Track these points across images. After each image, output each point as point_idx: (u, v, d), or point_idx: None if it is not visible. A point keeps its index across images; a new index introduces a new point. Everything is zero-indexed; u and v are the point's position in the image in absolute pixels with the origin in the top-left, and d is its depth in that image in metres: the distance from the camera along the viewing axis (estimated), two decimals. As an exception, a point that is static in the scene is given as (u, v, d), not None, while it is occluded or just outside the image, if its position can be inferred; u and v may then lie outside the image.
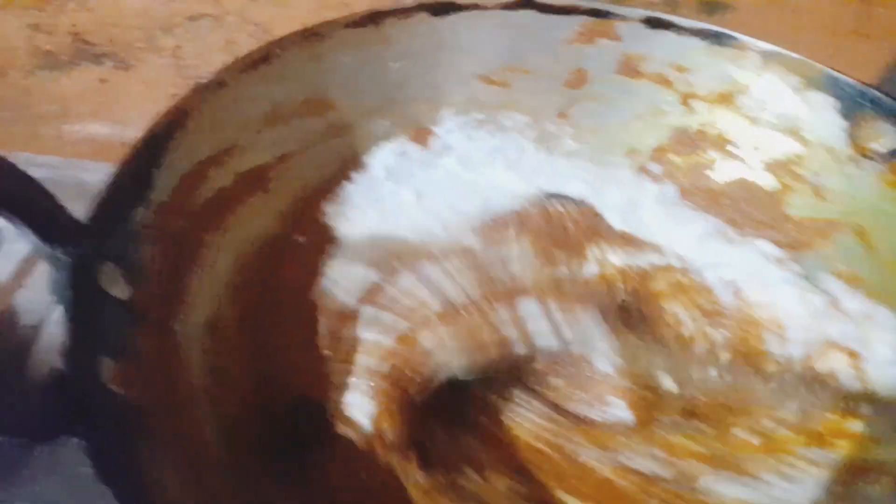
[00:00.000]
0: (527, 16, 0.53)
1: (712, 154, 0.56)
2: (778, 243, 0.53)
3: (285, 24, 0.46)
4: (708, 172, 0.56)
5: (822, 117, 0.50)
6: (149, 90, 0.38)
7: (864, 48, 0.60)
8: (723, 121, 0.55)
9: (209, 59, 0.40)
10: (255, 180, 0.46)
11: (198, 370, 0.40)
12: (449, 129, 0.56)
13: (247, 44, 0.44)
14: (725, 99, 0.54)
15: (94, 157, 0.34)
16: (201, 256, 0.42)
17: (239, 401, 0.41)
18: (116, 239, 0.35)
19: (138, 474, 0.29)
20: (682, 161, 0.57)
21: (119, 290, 0.34)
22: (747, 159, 0.54)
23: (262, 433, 0.41)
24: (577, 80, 0.56)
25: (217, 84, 0.42)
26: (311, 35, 0.46)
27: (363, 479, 0.39)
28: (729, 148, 0.55)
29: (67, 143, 0.69)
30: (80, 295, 0.32)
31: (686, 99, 0.55)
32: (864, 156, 0.49)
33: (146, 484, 0.29)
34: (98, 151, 0.60)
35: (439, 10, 0.51)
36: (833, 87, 0.49)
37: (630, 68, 0.55)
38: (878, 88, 0.48)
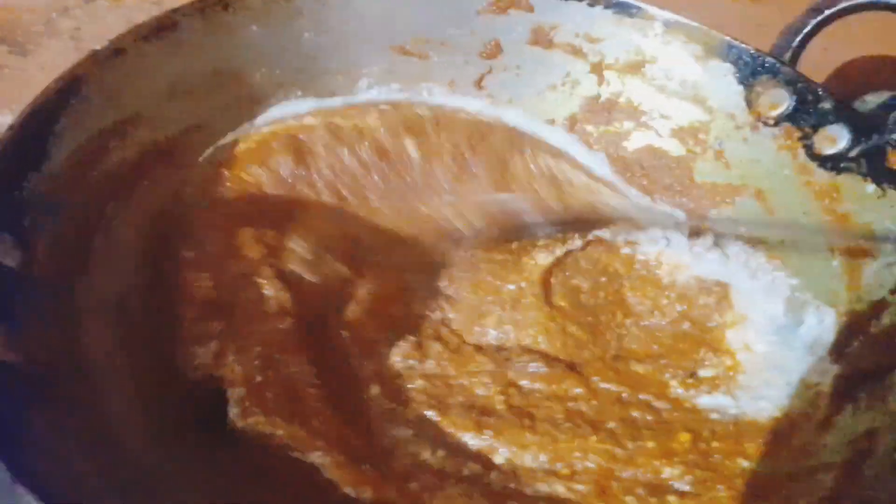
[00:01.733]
0: (440, -15, 0.54)
1: (627, 124, 0.58)
2: (686, 209, 0.56)
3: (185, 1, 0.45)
4: (623, 142, 0.58)
5: (721, 85, 0.52)
6: (48, 75, 0.37)
7: (759, 13, 0.62)
8: (632, 90, 0.56)
9: (108, 40, 0.40)
10: (161, 152, 0.45)
11: (104, 341, 0.39)
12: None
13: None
14: (634, 68, 0.55)
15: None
16: (103, 227, 0.41)
17: (149, 373, 0.41)
18: (5, 207, 0.34)
19: (31, 443, 0.29)
20: (596, 130, 0.58)
21: (7, 256, 0.33)
22: (656, 127, 0.56)
23: (174, 407, 0.40)
24: (492, 50, 0.56)
25: (114, 51, 0.41)
26: (215, 4, 0.45)
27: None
28: (640, 117, 0.57)
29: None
30: (-36, 262, 0.31)
31: (597, 68, 0.56)
32: (762, 121, 0.51)
33: (40, 453, 0.29)
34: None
35: (351, -21, 0.51)
36: (731, 55, 0.51)
37: (543, 38, 0.56)
38: (772, 55, 0.50)
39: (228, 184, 0.48)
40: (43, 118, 0.37)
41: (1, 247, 0.33)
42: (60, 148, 0.38)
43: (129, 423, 0.37)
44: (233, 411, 0.38)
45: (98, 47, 0.41)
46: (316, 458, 0.38)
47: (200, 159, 0.48)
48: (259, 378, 0.40)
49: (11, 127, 0.35)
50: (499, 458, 0.41)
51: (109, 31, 0.53)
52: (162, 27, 0.43)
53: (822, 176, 0.49)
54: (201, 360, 0.40)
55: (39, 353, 0.33)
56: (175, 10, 0.44)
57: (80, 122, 0.40)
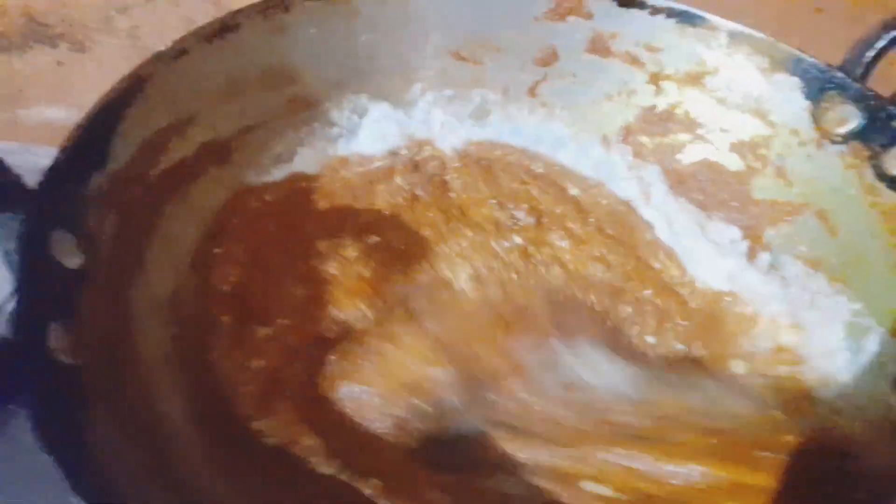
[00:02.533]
0: (497, -10, 0.53)
1: (682, 136, 0.56)
2: (742, 226, 0.54)
3: (244, 2, 0.45)
4: (678, 154, 0.57)
5: (787, 99, 0.50)
6: (106, 72, 0.37)
7: (824, 24, 0.60)
8: (691, 102, 0.55)
9: (167, 39, 0.39)
10: (217, 151, 0.45)
11: (156, 341, 0.40)
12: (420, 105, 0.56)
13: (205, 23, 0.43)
14: (694, 79, 0.54)
15: (51, 143, 0.33)
16: (160, 227, 0.41)
17: (201, 375, 0.41)
18: (68, 205, 0.34)
19: (82, 443, 0.29)
20: (651, 142, 0.57)
21: (70, 257, 0.33)
22: (714, 140, 0.55)
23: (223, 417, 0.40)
24: (548, 57, 0.55)
25: (177, 52, 0.41)
26: (274, 6, 0.45)
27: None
28: (697, 129, 0.56)
29: (23, 128, 0.67)
30: (29, 261, 0.31)
31: (656, 79, 0.55)
32: (828, 138, 0.49)
33: (90, 452, 0.29)
34: (55, 136, 0.59)
35: (410, -18, 0.50)
36: (798, 69, 0.49)
37: (601, 47, 0.55)
38: (841, 70, 0.48)
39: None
40: (108, 118, 0.38)
41: (64, 247, 0.34)
42: (123, 148, 0.38)
43: (182, 433, 0.37)
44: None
45: (156, 46, 0.41)
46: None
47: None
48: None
49: (78, 126, 0.36)
50: None
51: (167, 30, 0.54)
52: (225, 28, 0.44)
53: (890, 197, 0.47)
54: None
55: (99, 354, 0.33)
56: (238, 12, 0.45)
57: (142, 121, 0.40)
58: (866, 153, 0.48)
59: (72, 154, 0.35)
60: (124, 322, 0.36)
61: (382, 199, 0.52)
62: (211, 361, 0.41)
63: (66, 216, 0.34)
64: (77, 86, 0.62)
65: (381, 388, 0.42)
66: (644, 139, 0.57)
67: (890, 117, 0.46)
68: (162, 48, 0.41)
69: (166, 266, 0.42)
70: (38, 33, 0.60)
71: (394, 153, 0.55)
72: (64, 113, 0.63)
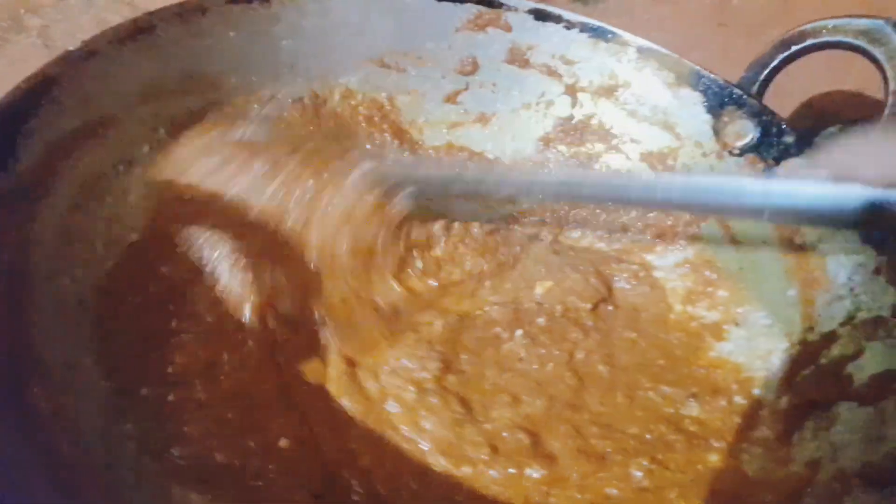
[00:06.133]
0: (420, 1, 0.54)
1: (598, 146, 0.59)
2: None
3: (159, 4, 0.45)
4: (594, 164, 0.59)
5: (691, 113, 0.53)
6: (15, 72, 0.37)
7: (724, 38, 0.63)
8: (605, 113, 0.57)
9: (80, 39, 0.39)
10: (133, 156, 0.45)
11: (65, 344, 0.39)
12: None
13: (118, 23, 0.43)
14: (607, 92, 0.56)
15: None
16: (73, 228, 0.41)
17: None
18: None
19: None
20: (568, 150, 0.59)
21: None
22: (626, 151, 0.57)
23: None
24: (469, 67, 0.57)
25: (87, 53, 0.41)
26: (191, 9, 0.45)
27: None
28: (611, 140, 0.58)
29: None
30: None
31: (572, 90, 0.57)
32: (727, 150, 0.52)
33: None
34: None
35: (330, -11, 0.51)
36: (700, 84, 0.52)
37: (519, 58, 0.56)
38: (740, 86, 0.51)
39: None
40: (12, 117, 0.37)
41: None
42: (29, 148, 0.38)
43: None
44: None
45: (69, 47, 0.41)
46: None
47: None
48: None
49: (-22, 126, 0.35)
50: None
51: (79, 31, 0.53)
52: (139, 30, 0.43)
53: (782, 207, 0.50)
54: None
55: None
56: (153, 14, 0.44)
57: (51, 122, 0.39)
58: (761, 165, 0.51)
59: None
60: (24, 322, 0.36)
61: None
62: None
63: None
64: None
65: None
66: (562, 148, 0.59)
67: (781, 133, 0.50)
68: (71, 47, 0.41)
69: (76, 267, 0.42)
70: (-59, 32, 0.58)
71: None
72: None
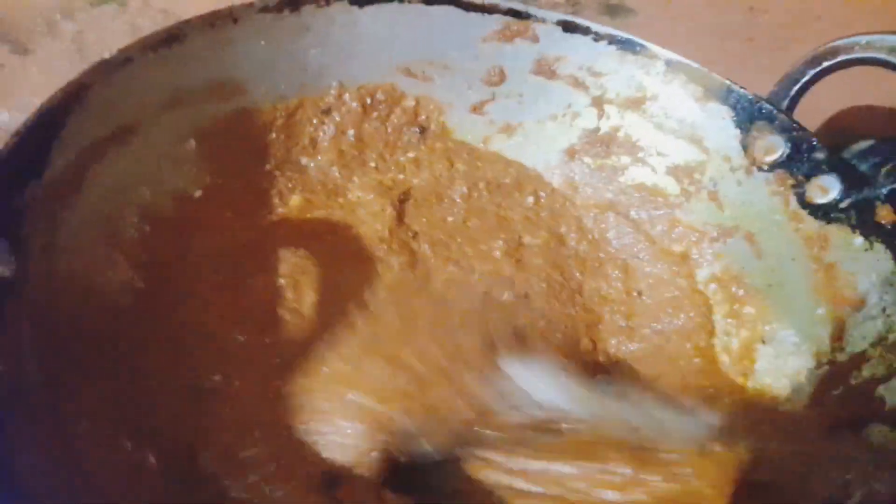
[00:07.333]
0: (447, 11, 0.54)
1: (624, 159, 0.58)
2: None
3: (192, 11, 0.45)
4: (619, 177, 0.59)
5: (719, 127, 0.53)
6: (48, 77, 0.37)
7: (752, 53, 0.63)
8: (631, 125, 0.57)
9: (112, 45, 0.39)
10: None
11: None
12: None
13: (152, 30, 0.43)
14: (634, 104, 0.56)
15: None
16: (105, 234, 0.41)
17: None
18: (4, 214, 0.34)
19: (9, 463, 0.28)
20: (593, 162, 0.59)
21: (2, 264, 0.33)
22: (652, 164, 0.57)
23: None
24: (496, 78, 0.57)
25: (122, 60, 0.41)
26: (222, 18, 0.45)
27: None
28: (638, 153, 0.58)
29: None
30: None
31: (598, 102, 0.57)
32: (756, 165, 0.52)
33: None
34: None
35: (359, 0, 0.51)
36: (730, 99, 0.52)
37: (546, 69, 0.56)
38: (769, 101, 0.51)
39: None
40: (49, 125, 0.37)
41: (-3, 254, 0.33)
42: (62, 155, 0.38)
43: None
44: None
45: (100, 52, 0.41)
46: None
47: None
48: None
49: (17, 133, 0.35)
50: None
51: (112, 36, 0.53)
52: (171, 38, 0.44)
53: (812, 224, 0.50)
54: None
55: (25, 362, 0.33)
56: (185, 22, 0.45)
57: (83, 129, 0.40)
58: (791, 181, 0.50)
59: (9, 162, 0.35)
60: (55, 331, 0.36)
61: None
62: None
63: (1, 223, 0.34)
64: (18, 89, 0.61)
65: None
66: (587, 160, 0.59)
67: (812, 149, 0.49)
68: (106, 55, 0.41)
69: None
70: (-22, 35, 0.58)
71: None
72: (5, 116, 0.62)
